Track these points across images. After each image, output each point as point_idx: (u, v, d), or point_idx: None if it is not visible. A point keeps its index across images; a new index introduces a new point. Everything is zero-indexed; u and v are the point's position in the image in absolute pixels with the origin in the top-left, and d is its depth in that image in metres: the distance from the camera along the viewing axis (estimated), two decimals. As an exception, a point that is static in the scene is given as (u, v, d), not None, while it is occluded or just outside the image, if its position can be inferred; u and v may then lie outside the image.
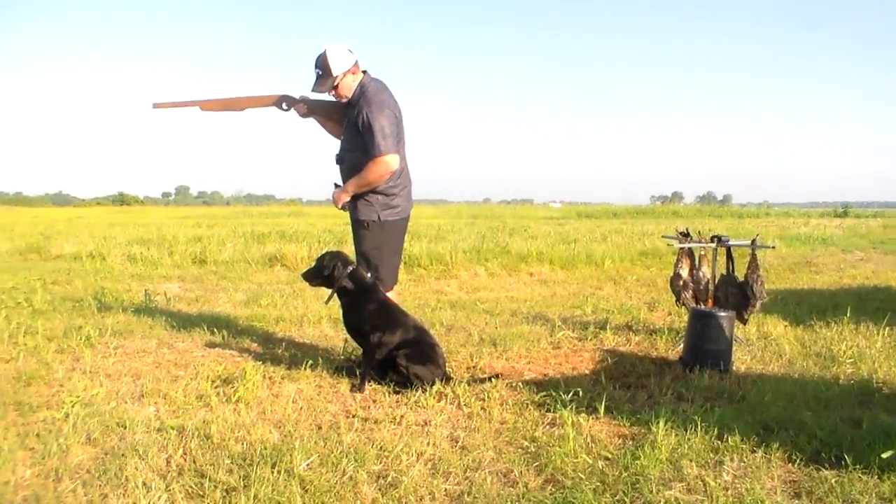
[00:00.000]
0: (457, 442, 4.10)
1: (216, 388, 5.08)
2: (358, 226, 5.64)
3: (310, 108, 5.81)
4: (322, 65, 5.41)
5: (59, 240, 17.86)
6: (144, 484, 3.47)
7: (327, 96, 5.64)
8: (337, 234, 18.67)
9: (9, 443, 3.93)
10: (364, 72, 5.55)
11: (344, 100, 5.58)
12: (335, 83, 5.45)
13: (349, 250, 5.75)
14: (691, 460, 3.79)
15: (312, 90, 5.54)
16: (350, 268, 5.40)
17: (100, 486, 3.48)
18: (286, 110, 5.81)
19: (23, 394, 4.95)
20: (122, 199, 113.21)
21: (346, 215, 5.77)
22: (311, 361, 5.66)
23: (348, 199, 5.56)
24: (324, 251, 5.95)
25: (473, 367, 5.77)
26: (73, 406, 4.50)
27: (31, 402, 4.76)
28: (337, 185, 5.66)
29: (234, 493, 3.38)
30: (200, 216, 40.47)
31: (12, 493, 3.41)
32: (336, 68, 5.39)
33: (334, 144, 5.78)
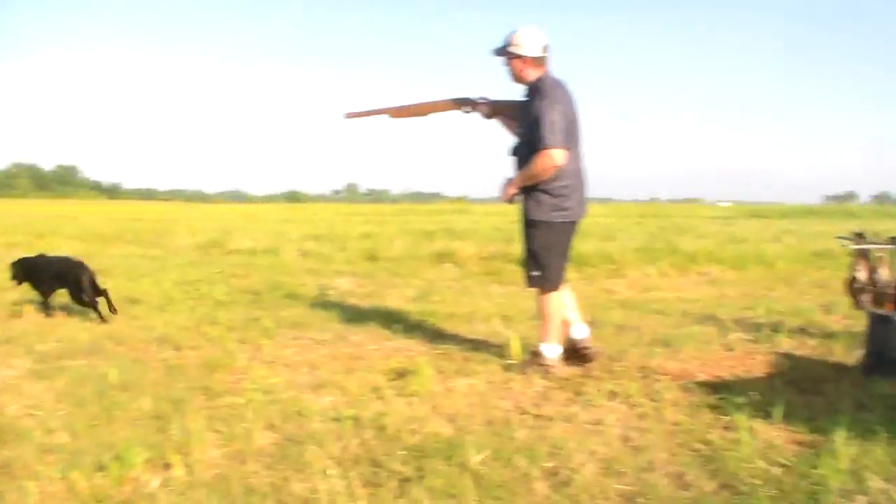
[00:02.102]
0: (629, 442, 4.07)
1: (390, 381, 5.20)
2: (527, 224, 5.65)
3: (492, 110, 5.87)
4: (508, 37, 5.47)
5: (236, 235, 18.58)
6: (323, 470, 3.59)
7: (508, 98, 5.72)
8: (504, 231, 18.72)
9: (199, 425, 4.13)
10: (547, 69, 5.55)
11: (514, 81, 5.62)
12: (506, 57, 5.52)
13: (516, 248, 5.77)
14: (875, 473, 3.61)
15: (490, 50, 5.62)
16: None
17: (281, 469, 3.64)
18: (469, 112, 5.89)
19: (209, 380, 5.22)
20: (293, 197, 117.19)
21: (513, 213, 5.80)
22: (482, 357, 5.75)
23: (515, 191, 5.58)
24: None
25: (644, 367, 5.70)
26: (254, 393, 4.73)
27: (217, 388, 5.01)
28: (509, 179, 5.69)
29: (408, 484, 3.45)
30: (369, 213, 41.33)
31: (204, 470, 3.60)
32: (514, 47, 5.44)
33: (505, 141, 5.82)
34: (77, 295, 7.30)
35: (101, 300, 7.36)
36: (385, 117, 6.04)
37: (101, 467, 3.56)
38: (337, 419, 4.38)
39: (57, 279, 7.49)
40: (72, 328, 6.87)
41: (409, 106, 6.04)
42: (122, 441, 3.85)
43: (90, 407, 4.53)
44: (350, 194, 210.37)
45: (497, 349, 6.11)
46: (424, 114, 6.02)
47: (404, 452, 3.84)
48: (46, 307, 7.60)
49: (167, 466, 3.62)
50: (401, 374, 5.33)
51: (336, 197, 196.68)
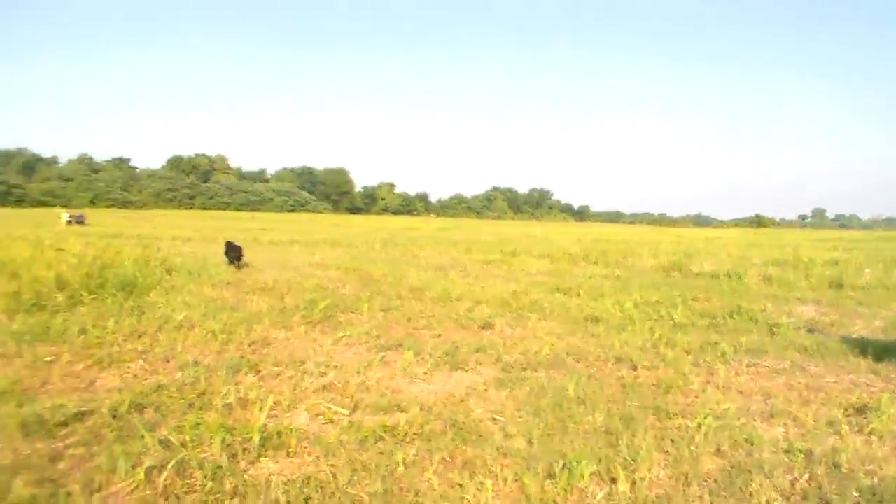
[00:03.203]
0: None
1: (848, 416, 4.99)
2: None
3: None
4: None
5: (699, 258, 18.57)
6: (768, 502, 3.54)
7: None
8: None
9: (647, 443, 4.26)
10: None
11: None
12: None
13: None
14: None
15: None
16: None
17: (724, 497, 3.65)
18: None
19: (661, 400, 5.33)
20: (758, 221, 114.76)
21: None
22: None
23: None
24: None
25: None
26: (705, 417, 4.76)
27: (669, 408, 5.10)
28: None
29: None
30: (837, 239, 39.31)
31: (649, 488, 3.70)
32: None
33: None
34: (237, 261, 14.11)
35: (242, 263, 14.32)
36: None
37: (551, 475, 3.80)
38: (788, 451, 4.30)
39: (232, 252, 14.44)
40: (535, 342, 7.29)
41: None
42: (573, 452, 4.08)
43: (546, 417, 4.83)
44: (817, 219, 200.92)
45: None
46: None
47: (857, 493, 3.69)
48: (234, 266, 13.88)
49: (613, 481, 3.77)
50: (860, 410, 5.09)
51: (802, 222, 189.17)
